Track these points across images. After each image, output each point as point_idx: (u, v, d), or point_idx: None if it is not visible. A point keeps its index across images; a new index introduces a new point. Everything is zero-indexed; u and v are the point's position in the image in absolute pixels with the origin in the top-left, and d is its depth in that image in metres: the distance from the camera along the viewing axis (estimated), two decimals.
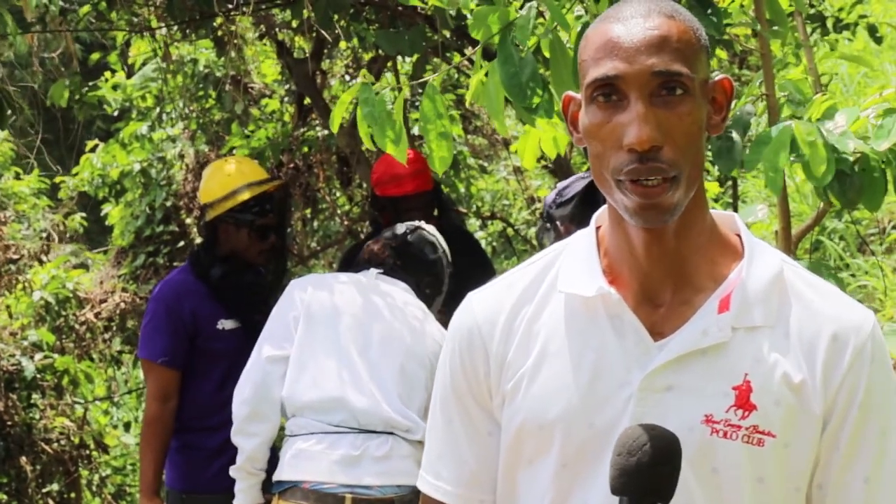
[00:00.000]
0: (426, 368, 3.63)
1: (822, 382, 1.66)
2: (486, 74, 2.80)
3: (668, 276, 1.70)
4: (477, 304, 1.84)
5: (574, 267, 1.77)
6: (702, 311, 1.68)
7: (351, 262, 4.55)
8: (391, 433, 3.56)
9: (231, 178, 4.40)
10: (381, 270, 3.86)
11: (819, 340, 1.67)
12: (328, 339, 3.67)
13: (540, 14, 2.80)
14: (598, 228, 1.81)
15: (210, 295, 4.35)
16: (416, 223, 4.04)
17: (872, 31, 5.72)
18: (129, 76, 7.87)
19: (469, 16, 2.82)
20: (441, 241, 3.99)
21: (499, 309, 1.80)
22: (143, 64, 7.70)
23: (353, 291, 3.78)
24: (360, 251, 4.09)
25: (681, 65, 1.61)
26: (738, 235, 1.78)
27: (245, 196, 4.35)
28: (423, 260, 3.90)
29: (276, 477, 3.63)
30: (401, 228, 3.99)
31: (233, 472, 3.75)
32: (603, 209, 1.80)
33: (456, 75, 7.34)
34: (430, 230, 4.00)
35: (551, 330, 1.75)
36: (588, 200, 3.79)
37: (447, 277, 3.97)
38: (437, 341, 3.64)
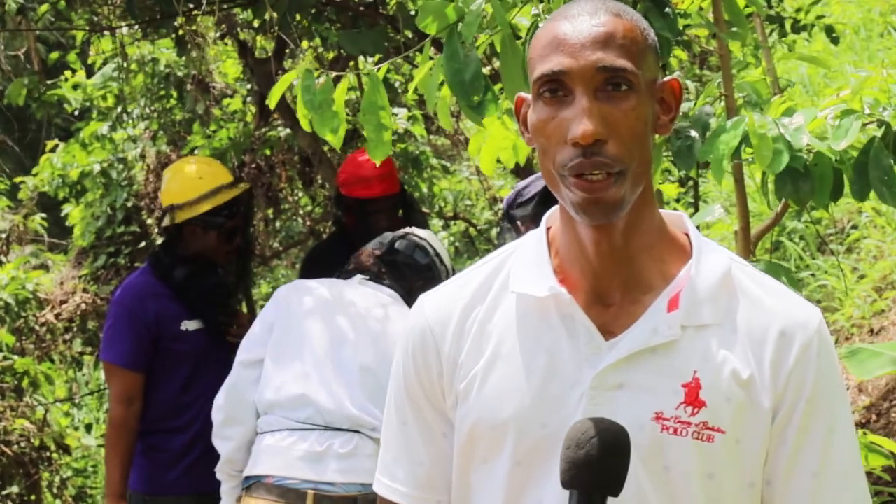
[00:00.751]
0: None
1: (770, 378, 1.68)
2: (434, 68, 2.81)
3: (618, 275, 1.72)
4: (429, 304, 1.85)
5: (525, 267, 1.78)
6: (651, 309, 1.70)
7: (314, 262, 4.54)
8: (357, 431, 3.59)
9: (203, 181, 4.38)
10: (367, 277, 3.89)
11: (767, 337, 1.69)
12: (299, 342, 3.71)
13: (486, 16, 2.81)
14: (548, 229, 1.82)
15: (173, 296, 4.33)
16: (407, 229, 4.05)
17: (830, 31, 5.76)
18: (89, 76, 7.83)
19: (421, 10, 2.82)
20: (434, 243, 4.00)
21: (451, 310, 1.81)
22: (104, 63, 7.66)
23: (326, 295, 3.81)
24: (325, 253, 4.08)
25: (626, 61, 1.63)
26: (687, 234, 1.79)
27: (219, 200, 4.34)
28: (413, 265, 3.92)
29: (244, 473, 3.66)
30: (388, 236, 4.01)
31: (217, 474, 3.82)
32: (554, 209, 1.81)
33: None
34: (422, 234, 4.02)
35: (503, 330, 1.76)
36: (548, 199, 3.79)
37: (447, 279, 3.99)
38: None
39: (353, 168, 4.75)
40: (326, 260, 4.63)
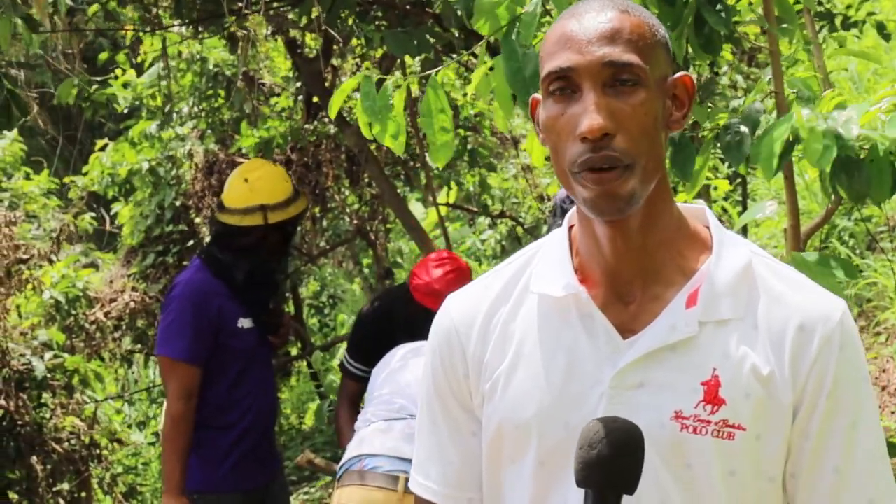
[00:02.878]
0: None
1: (790, 373, 1.67)
2: (492, 69, 2.80)
3: (637, 272, 1.72)
4: (454, 306, 1.86)
5: (547, 267, 1.78)
6: (670, 306, 1.69)
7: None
8: None
9: (288, 183, 4.53)
10: None
11: (786, 331, 1.68)
12: (391, 369, 4.02)
13: (546, 12, 2.80)
14: (570, 228, 1.82)
15: (230, 294, 4.37)
16: None
17: (881, 28, 5.70)
18: (138, 75, 7.89)
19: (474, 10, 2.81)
20: None
21: (475, 310, 1.82)
22: (153, 63, 7.71)
23: (410, 344, 4.14)
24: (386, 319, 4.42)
25: (633, 55, 1.63)
26: (708, 228, 1.79)
27: (302, 205, 4.52)
28: None
29: (339, 464, 3.82)
30: None
31: None
32: (574, 209, 1.81)
33: (465, 73, 7.34)
34: None
35: (525, 330, 1.77)
36: None
37: None
38: None
39: (428, 277, 4.60)
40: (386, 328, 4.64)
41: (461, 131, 7.70)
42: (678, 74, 1.73)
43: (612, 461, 1.53)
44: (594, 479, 1.53)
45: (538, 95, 1.75)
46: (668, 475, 1.66)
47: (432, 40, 4.83)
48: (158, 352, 4.41)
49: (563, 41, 1.66)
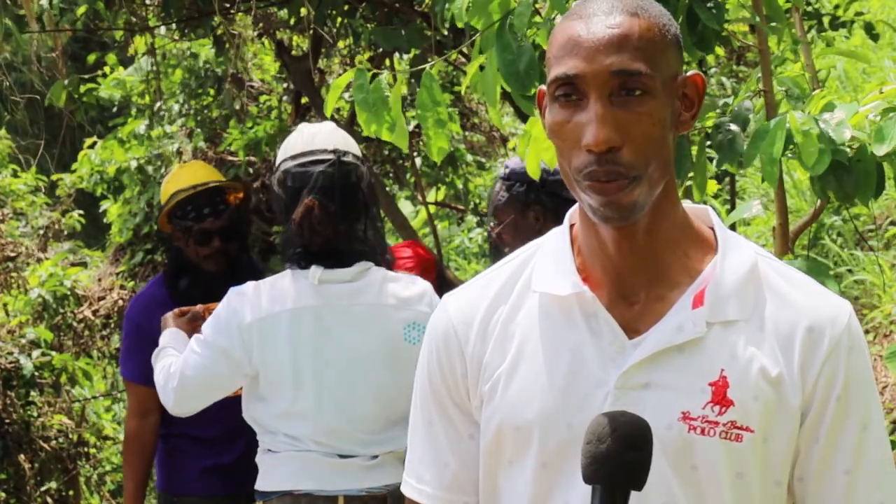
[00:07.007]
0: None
1: (799, 375, 1.66)
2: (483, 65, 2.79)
3: (642, 272, 1.69)
4: (452, 305, 1.83)
5: (548, 266, 1.75)
6: (676, 306, 1.67)
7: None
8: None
9: (168, 183, 4.30)
10: (324, 265, 3.48)
11: (795, 333, 1.66)
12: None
13: (536, 11, 2.80)
14: (571, 227, 1.79)
15: (182, 305, 4.22)
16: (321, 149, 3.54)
17: (868, 28, 5.71)
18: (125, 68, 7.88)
19: (460, 19, 2.80)
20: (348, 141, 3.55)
21: (474, 309, 1.79)
22: (142, 57, 7.70)
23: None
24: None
25: (642, 64, 1.60)
26: (712, 229, 1.77)
27: (176, 199, 4.19)
28: (354, 195, 3.49)
29: (259, 486, 3.54)
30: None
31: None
32: (575, 207, 1.79)
33: (453, 72, 7.33)
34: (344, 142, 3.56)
35: (527, 330, 1.74)
36: None
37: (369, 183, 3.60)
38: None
39: (397, 261, 4.57)
40: None
41: None
42: (689, 73, 1.70)
43: (622, 455, 1.50)
44: (602, 474, 1.51)
45: (545, 88, 1.72)
46: (675, 477, 1.64)
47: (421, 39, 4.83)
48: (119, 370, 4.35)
49: (570, 45, 1.62)
